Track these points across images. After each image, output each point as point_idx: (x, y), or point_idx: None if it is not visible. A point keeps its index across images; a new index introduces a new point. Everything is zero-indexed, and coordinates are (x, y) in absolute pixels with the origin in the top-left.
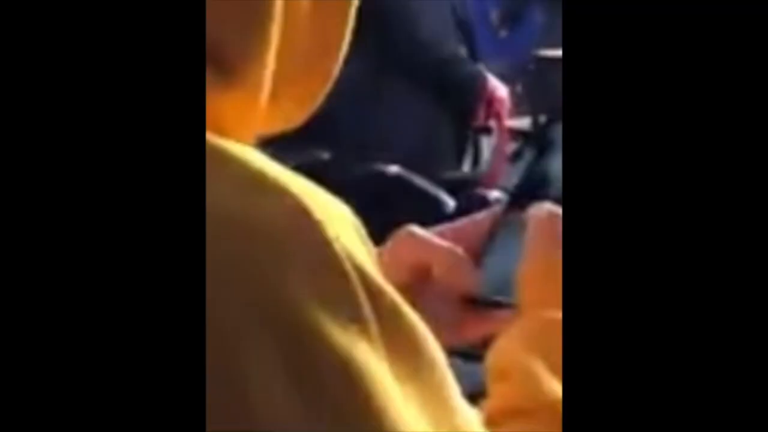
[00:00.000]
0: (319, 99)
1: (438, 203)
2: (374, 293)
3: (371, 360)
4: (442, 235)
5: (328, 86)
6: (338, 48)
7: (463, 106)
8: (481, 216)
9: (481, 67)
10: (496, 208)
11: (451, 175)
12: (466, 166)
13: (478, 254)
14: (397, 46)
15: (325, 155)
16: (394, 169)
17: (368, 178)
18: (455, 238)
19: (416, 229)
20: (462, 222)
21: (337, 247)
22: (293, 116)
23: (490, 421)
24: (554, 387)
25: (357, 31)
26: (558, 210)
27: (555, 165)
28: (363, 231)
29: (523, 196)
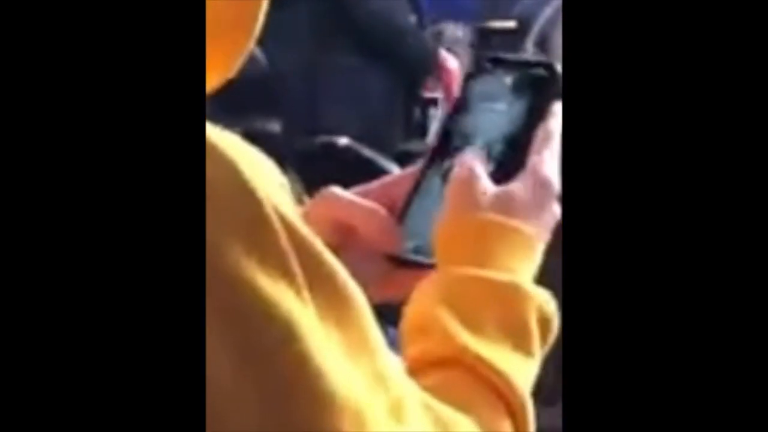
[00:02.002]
0: (246, 51)
1: (387, 174)
2: (302, 248)
3: (298, 308)
4: (365, 193)
5: (254, 37)
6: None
7: (414, 78)
8: (404, 173)
9: (428, 32)
10: (418, 165)
11: (400, 146)
12: (415, 138)
13: (400, 212)
14: (349, 17)
15: (276, 127)
16: (344, 140)
17: (319, 149)
18: (378, 196)
19: (338, 190)
20: (385, 180)
21: (267, 206)
22: (221, 70)
23: (410, 372)
24: (468, 339)
25: (309, 3)
26: (476, 162)
27: (471, 120)
28: (289, 189)
29: (443, 152)
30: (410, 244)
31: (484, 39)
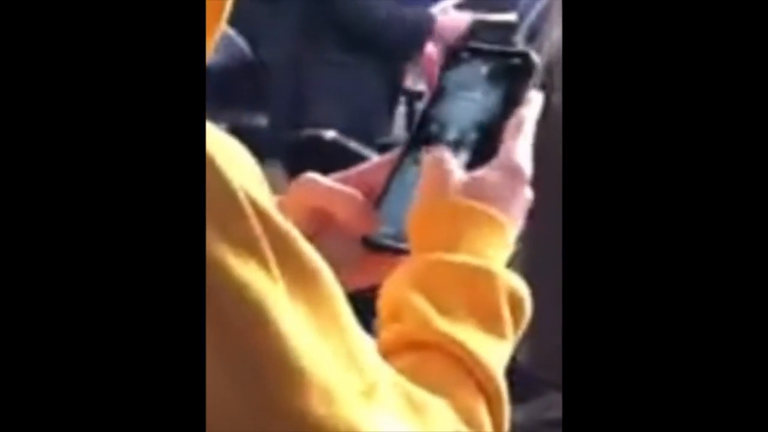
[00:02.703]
0: (217, 33)
1: None
2: (275, 233)
3: (269, 288)
4: (344, 179)
5: (224, 19)
6: None
7: (399, 69)
8: (381, 160)
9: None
10: (395, 152)
11: (386, 139)
12: (399, 130)
13: (377, 198)
14: (335, 11)
15: (263, 120)
16: (330, 133)
17: (305, 142)
18: (356, 182)
19: (316, 176)
20: (363, 167)
21: (240, 194)
22: None
23: (384, 355)
24: (441, 322)
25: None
26: (446, 155)
27: (447, 108)
28: (263, 177)
29: (419, 139)
30: (386, 230)
31: (481, 31)
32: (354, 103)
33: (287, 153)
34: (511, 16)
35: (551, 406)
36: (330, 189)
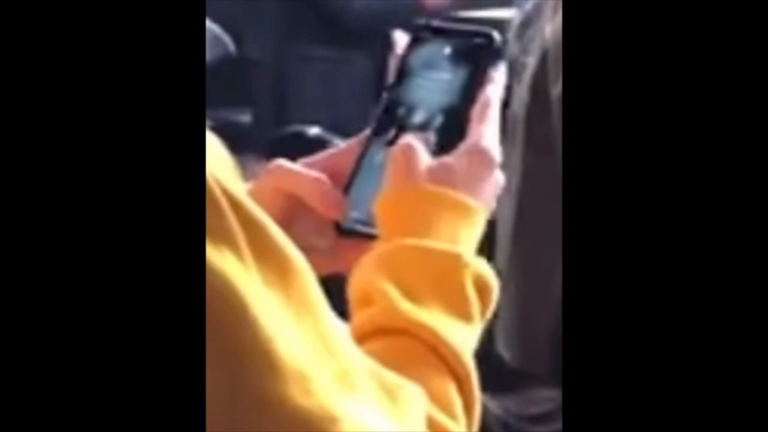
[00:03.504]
0: None
1: None
2: (248, 223)
3: (245, 279)
4: (312, 164)
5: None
6: None
7: (382, 64)
8: (350, 144)
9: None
10: (362, 136)
11: None
12: None
13: (347, 182)
14: (317, 7)
15: (246, 117)
16: (314, 129)
17: (289, 138)
18: (325, 166)
19: (285, 162)
20: (331, 151)
21: (214, 188)
22: None
23: (356, 340)
24: (410, 307)
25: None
26: (413, 142)
27: (412, 90)
28: (234, 167)
29: (386, 122)
30: (356, 215)
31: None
32: (338, 99)
33: (271, 149)
34: (507, 13)
35: (536, 401)
36: (297, 174)
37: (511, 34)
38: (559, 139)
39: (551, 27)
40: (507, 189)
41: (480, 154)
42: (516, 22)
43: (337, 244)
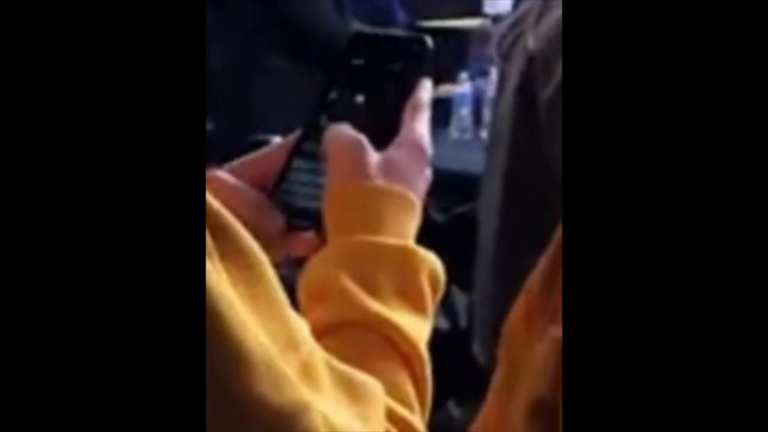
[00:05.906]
0: None
1: None
2: (213, 221)
3: (213, 278)
4: (243, 166)
5: None
6: None
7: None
8: (281, 142)
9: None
10: (292, 137)
11: None
12: None
13: (276, 183)
14: (280, 18)
15: (209, 126)
16: (276, 139)
17: (251, 147)
18: (255, 166)
19: (219, 172)
20: (263, 150)
21: None
22: None
23: (312, 334)
24: (369, 302)
25: (241, 4)
26: (355, 135)
27: (347, 91)
28: None
29: (319, 120)
30: (289, 209)
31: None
32: (300, 109)
33: (232, 158)
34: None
35: None
36: (224, 183)
37: (493, 44)
38: (544, 142)
39: (534, 34)
40: (490, 191)
41: (416, 148)
42: (496, 33)
43: (280, 240)
